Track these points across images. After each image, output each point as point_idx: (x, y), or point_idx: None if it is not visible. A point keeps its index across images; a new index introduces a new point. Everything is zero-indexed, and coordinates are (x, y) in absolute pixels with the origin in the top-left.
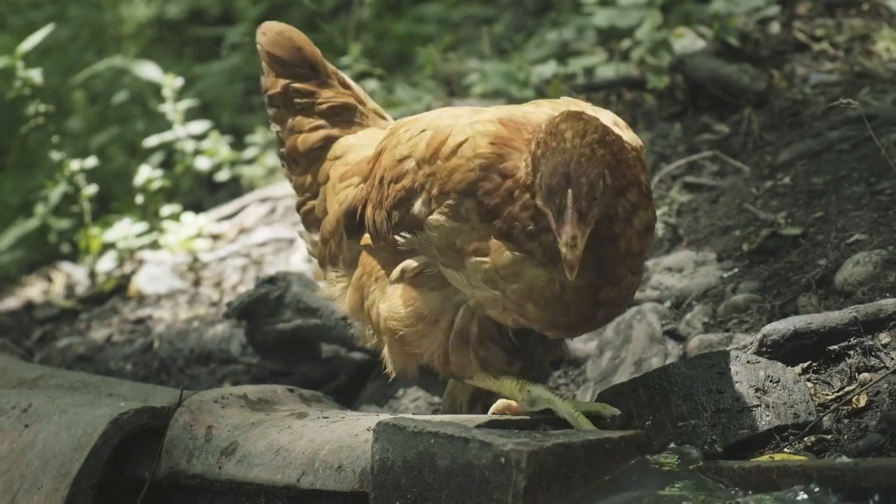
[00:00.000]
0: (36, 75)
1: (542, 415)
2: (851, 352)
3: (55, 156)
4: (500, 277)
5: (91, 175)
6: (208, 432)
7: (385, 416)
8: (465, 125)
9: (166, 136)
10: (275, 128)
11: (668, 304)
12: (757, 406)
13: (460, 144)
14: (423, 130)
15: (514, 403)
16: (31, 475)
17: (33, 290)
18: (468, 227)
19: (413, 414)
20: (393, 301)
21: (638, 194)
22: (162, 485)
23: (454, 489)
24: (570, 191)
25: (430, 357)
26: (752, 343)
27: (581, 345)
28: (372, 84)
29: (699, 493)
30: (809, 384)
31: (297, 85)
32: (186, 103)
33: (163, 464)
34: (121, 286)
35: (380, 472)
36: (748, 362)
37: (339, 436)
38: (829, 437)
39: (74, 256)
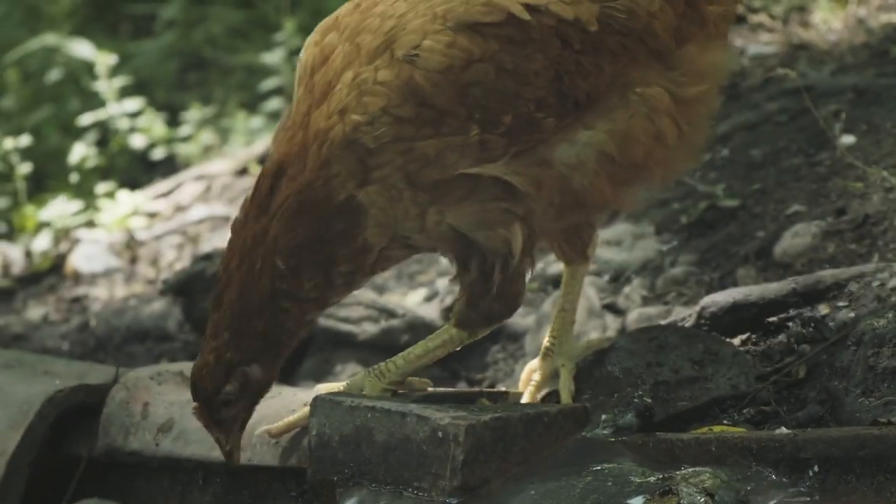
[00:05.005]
0: None
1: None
2: (790, 323)
3: None
4: None
5: (25, 154)
6: (145, 409)
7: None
8: None
9: (100, 115)
10: None
11: (606, 277)
12: (696, 378)
13: None
14: None
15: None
16: None
17: None
18: None
19: None
20: None
21: None
22: (100, 462)
23: (392, 463)
24: None
25: None
26: (690, 316)
27: (520, 319)
28: None
29: (639, 465)
30: (749, 356)
31: None
32: (120, 81)
33: (100, 441)
34: (57, 265)
35: (317, 447)
36: (687, 335)
37: (276, 411)
38: (768, 408)
39: (10, 236)
